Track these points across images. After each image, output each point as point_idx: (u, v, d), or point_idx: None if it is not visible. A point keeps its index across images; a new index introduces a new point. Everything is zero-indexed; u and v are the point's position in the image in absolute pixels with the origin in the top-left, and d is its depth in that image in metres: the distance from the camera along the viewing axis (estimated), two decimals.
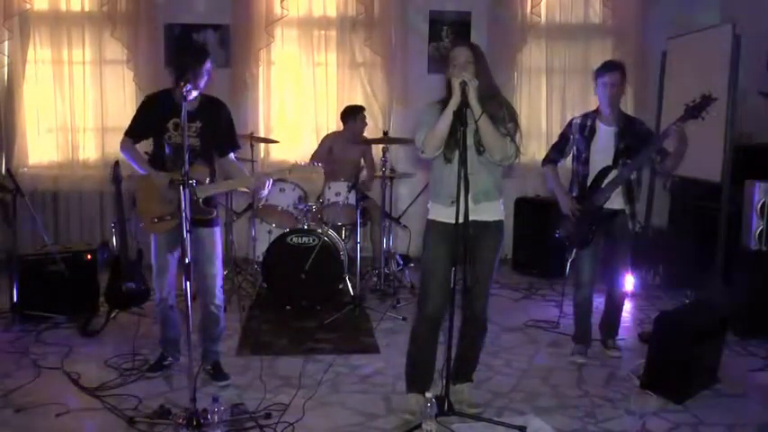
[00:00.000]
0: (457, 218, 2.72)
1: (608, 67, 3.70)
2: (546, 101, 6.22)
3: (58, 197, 5.99)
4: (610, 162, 3.66)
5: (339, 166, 5.30)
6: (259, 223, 5.16)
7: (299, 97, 6.13)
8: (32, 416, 3.01)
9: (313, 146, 5.71)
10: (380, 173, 4.95)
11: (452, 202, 2.75)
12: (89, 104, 5.94)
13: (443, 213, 2.92)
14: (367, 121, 5.50)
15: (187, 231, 2.80)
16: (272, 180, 3.34)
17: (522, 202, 5.97)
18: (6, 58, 5.76)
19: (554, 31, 6.14)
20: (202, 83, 3.20)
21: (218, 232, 3.38)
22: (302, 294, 4.61)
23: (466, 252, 2.77)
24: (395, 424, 2.99)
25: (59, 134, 5.97)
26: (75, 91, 5.91)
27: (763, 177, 4.37)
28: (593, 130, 3.72)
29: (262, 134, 5.89)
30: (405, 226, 5.58)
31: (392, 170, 5.13)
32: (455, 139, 2.79)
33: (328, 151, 5.41)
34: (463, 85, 2.74)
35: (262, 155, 6.03)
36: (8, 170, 5.03)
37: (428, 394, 2.79)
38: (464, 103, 2.75)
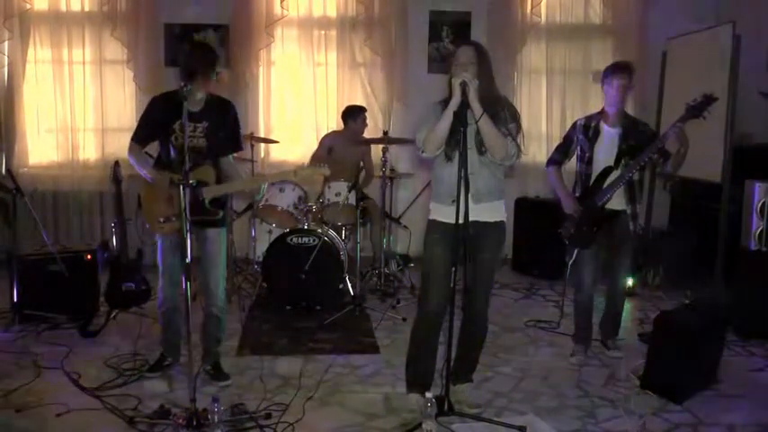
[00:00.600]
0: (457, 218, 2.72)
1: (620, 69, 3.67)
2: (546, 101, 6.21)
3: (58, 197, 5.99)
4: (612, 162, 3.67)
5: (339, 166, 5.29)
6: (259, 223, 5.16)
7: (299, 97, 6.12)
8: (32, 416, 3.01)
9: (313, 146, 5.70)
10: (380, 173, 4.95)
11: (453, 202, 2.75)
12: (89, 104, 5.93)
13: (444, 213, 2.92)
14: (367, 122, 5.50)
15: (187, 232, 2.81)
16: (264, 189, 3.32)
17: (522, 202, 5.97)
18: (6, 58, 5.76)
19: (554, 31, 6.14)
20: (211, 84, 3.19)
21: (224, 233, 3.38)
22: (302, 294, 4.61)
23: (466, 252, 2.77)
24: (395, 424, 2.99)
25: (59, 134, 5.97)
26: (75, 91, 5.90)
27: (763, 177, 4.37)
28: (596, 132, 3.72)
29: (262, 134, 5.88)
30: (405, 226, 5.58)
31: (392, 170, 5.13)
32: (456, 139, 2.79)
33: (328, 151, 5.41)
34: (463, 85, 2.75)
35: (262, 155, 6.03)
36: (8, 170, 5.03)
37: (428, 394, 2.79)
38: (464, 104, 2.75)
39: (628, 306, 4.54)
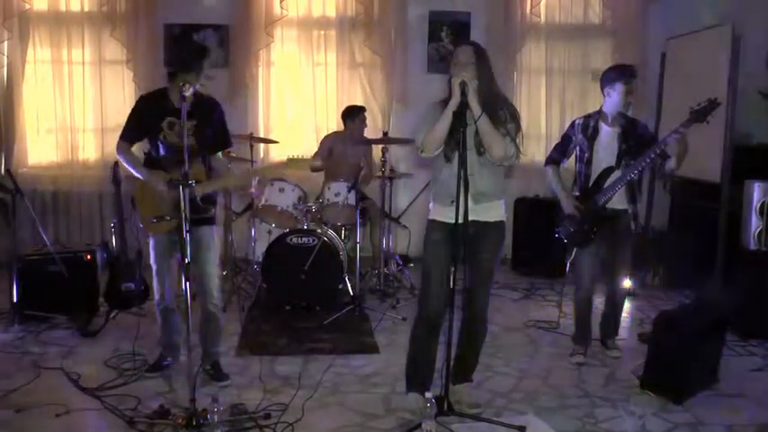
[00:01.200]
0: (456, 218, 2.72)
1: (625, 75, 3.63)
2: (545, 101, 6.22)
3: (58, 197, 5.99)
4: (612, 162, 3.66)
5: (339, 167, 5.30)
6: (259, 223, 5.16)
7: (298, 97, 6.12)
8: (32, 416, 3.01)
9: (313, 146, 5.71)
10: (380, 173, 4.95)
11: (452, 202, 2.75)
12: (89, 105, 5.94)
13: (443, 213, 2.92)
14: (367, 122, 5.50)
15: (187, 232, 2.81)
16: (254, 184, 3.33)
17: (522, 202, 5.97)
18: (6, 58, 5.76)
19: (554, 31, 6.14)
20: (200, 79, 3.19)
21: (215, 231, 3.38)
22: (302, 294, 4.61)
23: (465, 252, 2.77)
24: (394, 424, 2.99)
25: (59, 134, 5.97)
26: (75, 91, 5.91)
27: (763, 177, 4.37)
28: (595, 131, 3.72)
29: (261, 134, 5.89)
30: (405, 226, 5.58)
31: (392, 170, 5.13)
32: (455, 139, 2.79)
33: (328, 152, 5.42)
34: (463, 85, 2.74)
35: (261, 155, 6.03)
36: (8, 170, 5.02)
37: (428, 394, 2.79)
38: (464, 104, 2.75)
39: (627, 306, 4.54)
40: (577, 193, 3.81)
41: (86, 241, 5.52)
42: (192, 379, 2.86)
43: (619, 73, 3.67)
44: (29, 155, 5.95)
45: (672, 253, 5.40)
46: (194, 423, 2.78)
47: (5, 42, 5.72)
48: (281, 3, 5.83)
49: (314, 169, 5.44)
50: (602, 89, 3.73)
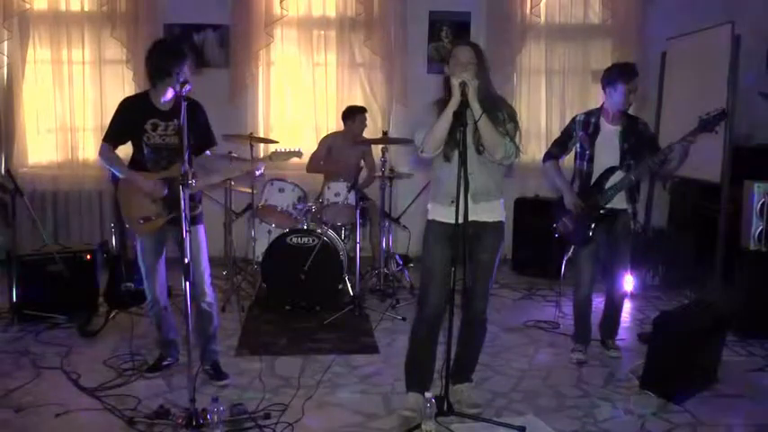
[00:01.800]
0: (456, 218, 2.72)
1: (627, 74, 3.61)
2: (545, 101, 6.22)
3: (58, 197, 5.99)
4: (615, 161, 3.65)
5: (339, 167, 5.30)
6: (258, 223, 5.16)
7: (298, 97, 6.13)
8: (32, 416, 3.01)
9: (312, 146, 5.70)
10: (380, 173, 4.95)
11: (452, 202, 2.75)
12: (89, 104, 5.94)
13: (443, 213, 2.91)
14: (367, 123, 5.50)
15: (187, 231, 2.81)
16: (263, 166, 3.35)
17: (521, 202, 5.96)
18: (6, 58, 5.76)
19: (553, 31, 6.14)
20: (181, 79, 3.18)
21: (202, 230, 3.38)
22: (302, 294, 4.61)
23: (465, 252, 2.77)
24: (394, 424, 2.99)
25: (59, 134, 5.98)
26: (75, 91, 5.91)
27: (763, 178, 4.37)
28: (597, 128, 3.71)
29: (261, 134, 5.89)
30: (404, 226, 5.58)
31: (392, 170, 5.13)
32: (455, 139, 2.79)
33: (327, 151, 5.42)
34: (463, 85, 2.74)
35: (261, 155, 6.03)
36: (8, 170, 5.03)
37: (427, 394, 2.79)
38: (464, 104, 2.75)
39: (627, 306, 4.54)
40: (576, 191, 3.80)
41: (86, 241, 5.52)
42: (192, 379, 2.87)
43: (620, 72, 3.65)
44: (29, 155, 5.95)
45: (672, 253, 5.40)
46: (194, 423, 2.78)
47: (5, 42, 5.72)
48: (281, 3, 5.83)
49: (312, 171, 5.47)
50: (603, 88, 3.72)
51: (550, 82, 6.20)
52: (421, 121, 2.93)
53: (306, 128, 6.12)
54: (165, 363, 3.54)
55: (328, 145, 5.44)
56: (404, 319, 4.45)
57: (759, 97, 5.54)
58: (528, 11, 6.01)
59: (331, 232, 4.86)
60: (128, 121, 3.25)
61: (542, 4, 6.02)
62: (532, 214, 5.82)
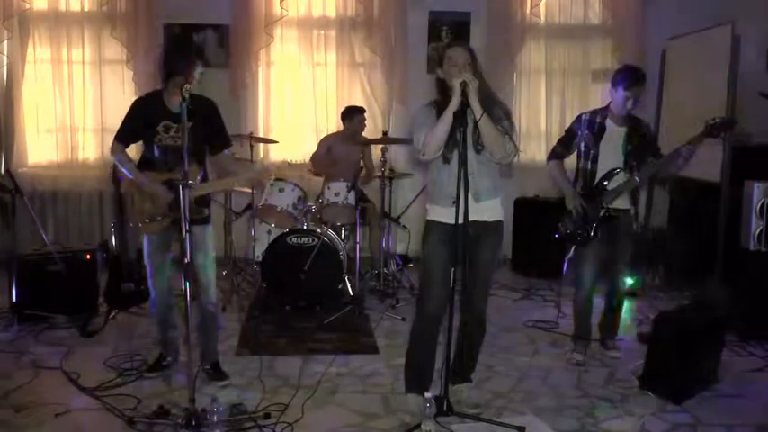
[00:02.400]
0: (457, 218, 2.72)
1: (634, 83, 3.58)
2: (545, 101, 6.21)
3: (58, 197, 5.99)
4: (618, 162, 3.65)
5: (338, 167, 5.30)
6: (258, 223, 5.16)
7: (298, 97, 6.12)
8: (32, 416, 3.01)
9: (312, 146, 5.71)
10: (380, 173, 4.95)
11: (453, 203, 2.74)
12: (88, 104, 5.94)
13: (444, 214, 2.91)
14: (366, 123, 5.50)
15: (186, 231, 2.81)
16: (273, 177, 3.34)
17: (521, 202, 5.96)
18: (6, 58, 5.76)
19: (553, 31, 6.14)
20: (193, 85, 3.20)
21: (210, 230, 3.38)
22: (301, 294, 4.61)
23: (465, 252, 2.77)
24: (394, 424, 2.99)
25: (59, 134, 5.97)
26: (75, 91, 5.91)
27: (763, 178, 4.37)
28: (602, 128, 3.69)
29: (261, 134, 5.88)
30: (404, 226, 5.57)
31: (391, 170, 5.13)
32: (454, 140, 2.79)
33: (327, 152, 5.42)
34: (464, 85, 2.74)
35: (261, 155, 6.04)
36: (7, 170, 5.03)
37: (427, 394, 2.79)
38: (464, 104, 2.75)
39: (627, 306, 4.54)
40: (580, 190, 3.80)
41: (86, 241, 5.52)
42: (192, 379, 2.87)
43: (623, 76, 3.63)
44: (29, 155, 5.95)
45: (672, 253, 5.40)
46: (194, 423, 2.78)
47: (5, 42, 5.71)
48: (281, 3, 5.83)
49: (319, 171, 5.47)
50: (609, 88, 3.72)
51: (550, 82, 6.20)
52: (418, 123, 2.93)
53: (306, 128, 6.12)
54: (165, 363, 3.54)
55: (328, 145, 5.44)
56: (404, 319, 4.45)
57: (759, 97, 5.53)
58: (528, 11, 6.00)
59: (331, 232, 4.86)
60: (141, 121, 3.25)
61: (542, 4, 6.02)
62: (532, 214, 5.82)
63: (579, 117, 3.81)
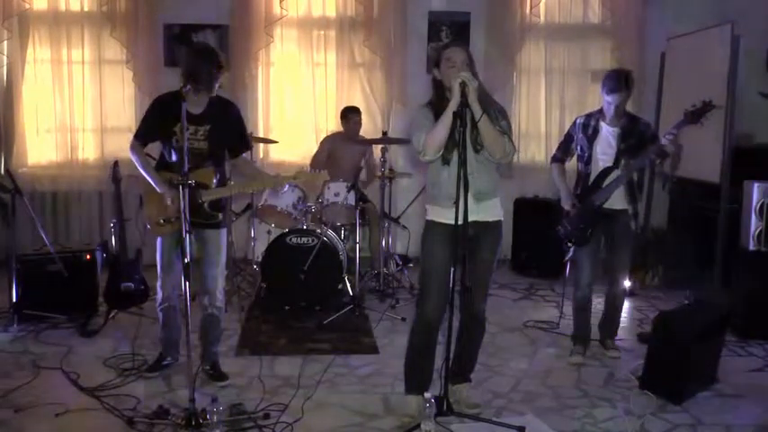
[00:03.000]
0: (456, 218, 2.72)
1: (615, 89, 3.60)
2: (545, 101, 6.21)
3: (58, 197, 5.99)
4: (611, 161, 3.67)
5: (338, 167, 5.31)
6: (258, 223, 5.16)
7: (298, 98, 6.12)
8: (32, 416, 3.01)
9: (312, 146, 5.72)
10: (380, 173, 4.95)
11: (453, 203, 2.74)
12: (88, 104, 5.94)
13: (443, 214, 2.91)
14: (361, 122, 5.51)
15: (186, 232, 2.81)
16: (287, 186, 3.33)
17: (521, 202, 5.96)
18: (5, 58, 5.76)
19: (553, 31, 6.14)
20: (215, 86, 3.20)
21: (224, 234, 3.38)
22: (301, 295, 4.61)
23: (464, 252, 2.77)
24: (394, 424, 2.99)
25: (58, 134, 5.97)
26: (75, 91, 5.91)
27: (762, 178, 4.37)
28: (596, 131, 3.73)
29: (261, 134, 5.89)
30: (404, 226, 5.57)
31: (391, 170, 5.13)
32: (453, 140, 2.79)
33: (328, 153, 5.44)
34: (463, 85, 2.74)
35: (261, 155, 6.04)
36: (7, 170, 5.03)
37: (427, 394, 2.79)
38: (464, 104, 2.75)
39: (627, 306, 4.54)
40: (578, 192, 3.82)
41: (86, 241, 5.52)
42: (192, 379, 2.86)
43: (605, 82, 3.68)
44: (28, 155, 5.94)
45: (671, 253, 5.40)
46: (194, 423, 2.78)
47: (5, 42, 5.71)
48: (280, 3, 5.83)
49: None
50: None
51: (550, 82, 6.20)
52: (417, 124, 2.93)
53: (305, 128, 6.12)
54: (165, 363, 3.53)
55: (329, 146, 5.46)
56: (403, 319, 4.45)
57: (759, 97, 5.53)
58: (528, 11, 6.00)
59: (331, 232, 4.86)
60: (160, 121, 3.24)
61: (542, 4, 6.02)
62: (532, 214, 5.83)
63: (575, 121, 3.86)
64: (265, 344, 4.02)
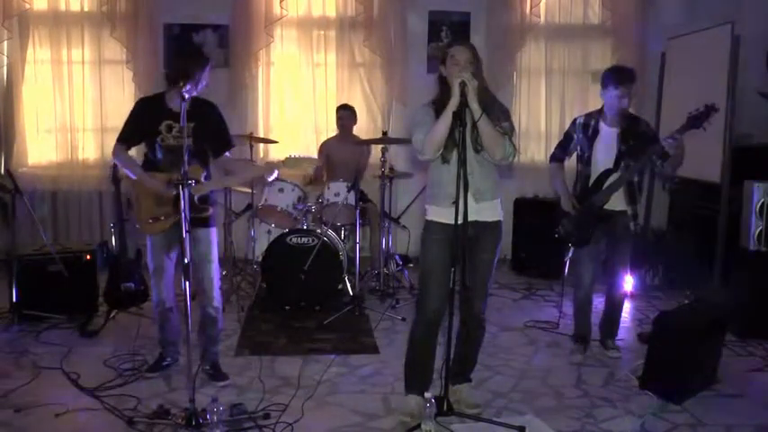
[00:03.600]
0: (456, 218, 2.71)
1: (620, 80, 3.59)
2: (545, 101, 6.21)
3: (58, 197, 5.99)
4: (611, 163, 3.66)
5: (337, 167, 5.31)
6: (258, 223, 5.16)
7: (298, 97, 6.13)
8: (32, 416, 3.01)
9: (312, 146, 5.74)
10: (380, 173, 4.95)
11: (453, 203, 2.74)
12: (88, 104, 5.94)
13: (443, 214, 2.91)
14: (352, 118, 5.54)
15: (186, 232, 2.81)
16: (277, 172, 3.36)
17: (521, 202, 5.96)
18: (6, 58, 5.77)
19: (553, 31, 6.14)
20: (201, 87, 3.21)
21: (214, 233, 3.38)
22: (301, 294, 4.61)
23: (464, 252, 2.77)
24: (394, 424, 2.99)
25: (59, 134, 5.98)
26: (75, 91, 5.91)
27: (763, 178, 4.37)
28: (596, 131, 3.71)
29: (261, 134, 5.89)
30: (404, 226, 5.57)
31: (391, 170, 5.13)
32: (453, 140, 2.79)
33: (327, 158, 5.47)
34: (462, 85, 2.74)
35: (261, 155, 6.04)
36: (7, 170, 5.03)
37: (427, 394, 2.79)
38: (463, 104, 2.75)
39: (627, 306, 4.54)
40: (577, 193, 3.81)
41: (86, 241, 5.52)
42: (192, 379, 2.87)
43: (610, 75, 3.65)
44: (29, 155, 5.95)
45: (671, 253, 5.40)
46: (194, 423, 2.78)
47: (5, 42, 5.72)
48: (280, 3, 5.83)
49: (315, 179, 5.49)
50: (600, 90, 3.73)
51: (550, 82, 6.20)
52: (417, 123, 2.93)
53: (306, 128, 6.12)
54: (165, 363, 3.54)
55: (326, 152, 5.51)
56: (403, 319, 4.45)
57: (759, 97, 5.53)
58: (528, 11, 6.01)
59: (331, 232, 4.86)
60: (143, 121, 3.26)
61: (542, 4, 6.02)
62: (532, 214, 5.83)
63: (575, 121, 3.85)
64: (265, 344, 4.02)
